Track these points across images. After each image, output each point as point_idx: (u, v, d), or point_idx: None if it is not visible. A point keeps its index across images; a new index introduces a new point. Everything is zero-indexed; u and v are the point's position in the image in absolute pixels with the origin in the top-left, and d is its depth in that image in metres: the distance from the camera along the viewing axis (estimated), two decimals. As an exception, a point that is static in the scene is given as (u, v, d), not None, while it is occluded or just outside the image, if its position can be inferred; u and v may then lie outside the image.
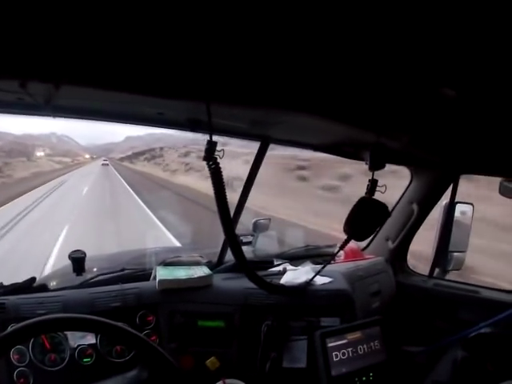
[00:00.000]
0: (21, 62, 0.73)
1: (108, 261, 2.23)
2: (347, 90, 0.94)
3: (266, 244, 2.21)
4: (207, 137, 1.13)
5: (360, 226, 1.57)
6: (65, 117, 1.29)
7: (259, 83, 0.86)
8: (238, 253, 1.42)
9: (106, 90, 0.89)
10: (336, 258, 2.10)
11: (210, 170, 1.25)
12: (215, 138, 1.13)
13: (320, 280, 1.79)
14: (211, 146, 1.21)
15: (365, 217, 1.54)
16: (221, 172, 1.27)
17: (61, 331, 1.52)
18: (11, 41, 0.67)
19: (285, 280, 1.80)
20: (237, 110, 1.04)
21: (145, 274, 1.89)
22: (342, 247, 1.71)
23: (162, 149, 51.25)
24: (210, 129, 1.27)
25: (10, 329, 1.16)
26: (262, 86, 0.87)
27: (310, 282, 1.76)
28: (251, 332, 1.69)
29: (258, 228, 2.18)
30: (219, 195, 1.28)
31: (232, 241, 1.40)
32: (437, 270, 2.18)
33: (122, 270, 1.91)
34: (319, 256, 2.21)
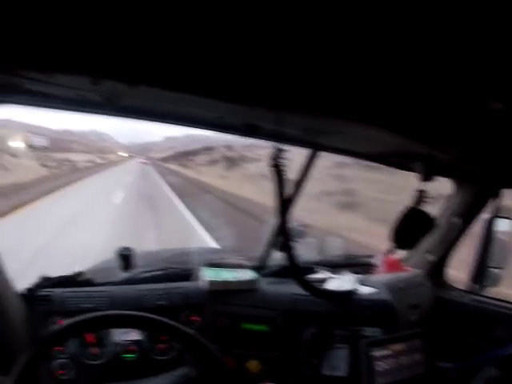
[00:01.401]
0: (96, 59, 0.75)
1: (150, 258, 2.27)
2: (404, 101, 0.94)
3: (305, 251, 2.16)
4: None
5: (406, 235, 1.57)
6: (124, 116, 1.32)
7: (320, 92, 0.86)
8: (291, 258, 1.43)
9: (175, 91, 0.90)
10: (376, 268, 2.12)
11: (274, 176, 1.27)
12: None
13: (363, 290, 1.79)
14: (277, 152, 1.23)
15: (411, 227, 1.53)
16: (284, 178, 1.28)
17: (118, 327, 1.54)
18: (90, 39, 0.69)
19: (327, 288, 1.80)
20: (293, 117, 1.05)
21: (187, 274, 1.91)
22: (385, 255, 1.73)
23: (229, 148, 42.66)
24: (275, 136, 1.30)
25: (65, 322, 1.20)
26: (322, 94, 0.87)
27: (353, 291, 1.75)
28: (294, 338, 1.69)
29: (295, 234, 2.11)
30: (281, 201, 1.30)
31: (287, 246, 1.41)
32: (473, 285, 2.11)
33: (166, 268, 1.94)
34: (358, 265, 2.20)
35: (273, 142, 1.57)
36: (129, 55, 0.74)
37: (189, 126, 1.45)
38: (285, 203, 1.33)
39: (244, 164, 32.03)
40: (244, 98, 0.89)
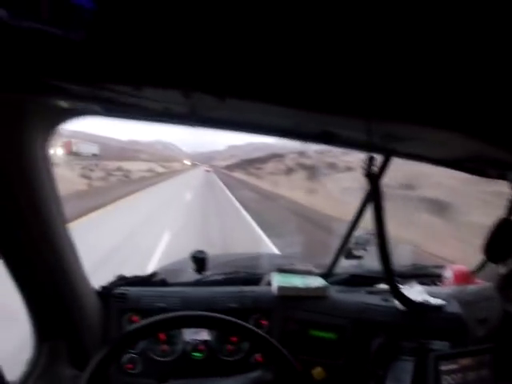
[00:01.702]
0: (187, 74, 0.78)
1: (221, 261, 2.30)
2: (483, 104, 0.91)
3: (372, 259, 2.15)
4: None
5: (498, 248, 1.53)
6: (206, 126, 1.34)
7: (399, 98, 0.86)
8: (387, 268, 1.43)
9: (259, 102, 0.91)
10: (445, 280, 2.06)
11: (369, 186, 1.29)
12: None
13: (433, 301, 1.74)
14: (371, 162, 1.23)
15: (504, 239, 1.50)
16: (379, 188, 1.29)
17: (192, 327, 1.61)
18: (181, 54, 0.72)
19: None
20: (370, 124, 1.03)
21: (257, 278, 1.95)
22: (477, 270, 1.71)
23: (302, 154, 39.06)
24: (369, 147, 1.29)
25: (141, 322, 1.25)
26: (401, 101, 0.87)
27: (423, 303, 1.71)
28: (361, 347, 1.67)
29: (359, 242, 2.09)
30: (376, 212, 1.31)
31: (384, 256, 1.40)
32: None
33: (236, 272, 1.99)
34: (426, 276, 2.14)
35: (349, 149, 1.58)
36: (219, 69, 0.77)
37: (266, 135, 1.46)
38: (380, 215, 1.33)
39: (333, 173, 26.64)
40: (322, 106, 0.90)
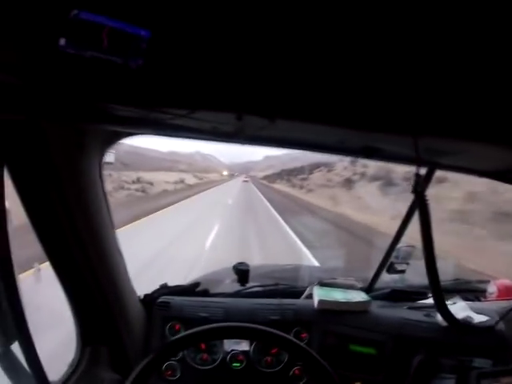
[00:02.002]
0: (241, 97, 0.81)
1: (261, 272, 2.31)
2: None
3: (415, 273, 2.05)
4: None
5: None
6: (252, 144, 1.37)
7: (444, 113, 0.86)
8: (435, 283, 1.38)
9: (306, 122, 0.94)
10: (489, 295, 2.00)
11: (417, 202, 1.28)
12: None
13: (476, 318, 1.68)
14: (418, 178, 1.21)
15: None
16: (427, 205, 1.25)
17: (234, 338, 1.60)
18: (235, 79, 0.75)
19: (440, 316, 1.67)
20: (415, 139, 1.02)
21: (297, 291, 1.95)
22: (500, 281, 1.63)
23: (355, 162, 30.34)
24: (417, 162, 1.26)
25: (185, 333, 1.30)
26: (446, 116, 0.86)
27: (466, 320, 1.65)
28: (401, 363, 1.64)
29: (402, 256, 2.02)
30: (424, 227, 1.27)
31: (432, 270, 1.35)
32: None
33: (276, 284, 2.00)
34: (469, 291, 2.08)
35: (391, 163, 1.58)
36: (269, 92, 0.80)
37: (311, 151, 1.47)
38: (427, 228, 1.28)
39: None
40: (367, 124, 0.92)
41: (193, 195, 30.10)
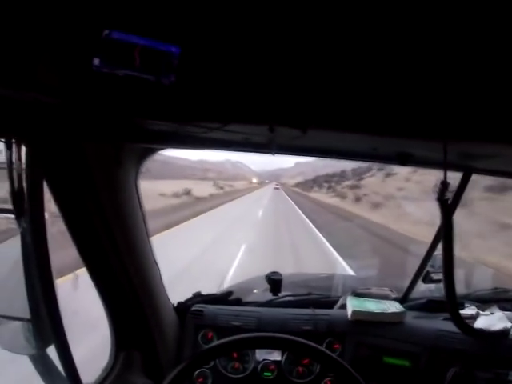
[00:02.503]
0: (274, 109, 0.82)
1: (293, 281, 2.30)
2: None
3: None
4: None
5: None
6: (283, 153, 1.39)
7: (479, 118, 0.85)
8: (450, 292, 1.39)
9: (338, 131, 0.95)
10: None
11: (441, 210, 1.25)
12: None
13: None
14: (444, 187, 1.21)
15: None
16: (451, 213, 1.26)
17: (267, 348, 1.64)
18: (268, 88, 0.76)
19: (479, 326, 1.67)
20: (449, 144, 1.03)
21: (330, 301, 1.95)
22: None
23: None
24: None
25: (219, 341, 1.31)
26: (481, 120, 0.86)
27: (504, 331, 1.63)
28: (435, 376, 1.61)
29: (436, 264, 1.93)
30: (445, 236, 1.29)
31: (449, 278, 1.37)
32: None
33: (309, 294, 1.99)
34: (508, 301, 2.01)
35: (424, 168, 1.56)
36: (301, 103, 0.81)
37: (342, 159, 1.49)
38: (448, 238, 1.30)
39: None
40: (400, 131, 0.92)
41: (197, 216, 19.00)
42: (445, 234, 1.29)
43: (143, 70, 0.64)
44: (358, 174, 42.77)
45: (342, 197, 35.84)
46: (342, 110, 0.83)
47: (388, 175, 31.67)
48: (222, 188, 61.83)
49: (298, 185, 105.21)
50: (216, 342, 1.34)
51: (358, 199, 31.17)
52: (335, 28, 0.63)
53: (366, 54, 0.69)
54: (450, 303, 1.46)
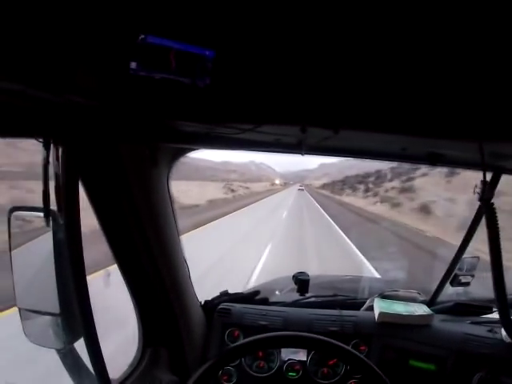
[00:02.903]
0: (306, 110, 0.83)
1: (319, 282, 2.31)
2: None
3: (480, 286, 1.97)
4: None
5: None
6: (313, 154, 1.39)
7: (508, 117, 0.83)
8: (502, 298, 1.37)
9: (370, 131, 0.95)
10: None
11: (484, 212, 1.26)
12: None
13: None
14: (485, 187, 1.21)
15: None
16: (495, 213, 1.25)
17: (295, 348, 1.66)
18: (301, 90, 0.78)
19: (505, 332, 1.62)
20: (480, 144, 1.02)
21: (356, 303, 1.95)
22: None
23: None
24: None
25: (246, 340, 1.32)
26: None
27: None
28: (461, 381, 1.60)
29: (467, 268, 1.93)
30: (493, 239, 1.27)
31: (500, 285, 1.34)
32: None
33: (335, 295, 2.00)
34: None
35: (455, 168, 1.55)
36: (333, 103, 0.82)
37: (373, 159, 1.50)
38: (496, 239, 1.28)
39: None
40: (430, 131, 0.92)
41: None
42: (491, 235, 1.27)
43: (179, 73, 0.66)
44: (401, 174, 35.68)
45: (393, 204, 26.77)
46: (373, 110, 0.84)
47: (451, 174, 22.62)
48: (233, 191, 52.45)
49: (324, 186, 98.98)
50: (244, 340, 1.35)
51: (424, 209, 21.51)
52: (368, 28, 0.64)
53: (400, 54, 0.70)
54: (500, 308, 1.44)
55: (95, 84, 0.69)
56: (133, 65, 0.64)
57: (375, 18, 0.63)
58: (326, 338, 1.32)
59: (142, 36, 0.62)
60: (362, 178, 53.25)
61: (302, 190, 76.54)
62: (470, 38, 0.65)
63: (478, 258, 1.85)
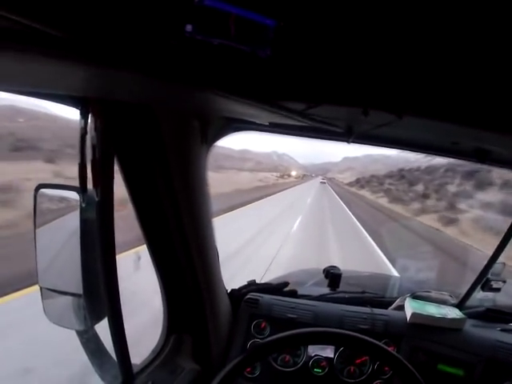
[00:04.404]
0: (366, 92, 0.82)
1: (347, 278, 2.28)
2: None
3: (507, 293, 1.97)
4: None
5: None
6: (360, 143, 1.40)
7: None
8: None
9: (435, 121, 0.94)
10: None
11: None
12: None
13: None
14: None
15: None
16: None
17: (327, 344, 1.67)
18: (362, 69, 0.76)
19: None
20: None
21: (385, 301, 1.97)
22: None
23: None
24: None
25: (278, 335, 1.31)
26: None
27: None
28: None
29: (498, 273, 1.91)
30: None
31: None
32: None
33: (363, 292, 2.02)
34: None
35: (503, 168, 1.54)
36: (396, 86, 0.81)
37: (423, 153, 1.50)
38: None
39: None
40: (480, 123, 0.91)
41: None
42: None
43: (239, 40, 0.63)
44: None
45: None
46: (436, 97, 0.82)
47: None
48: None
49: (357, 183, 71.59)
50: (275, 336, 1.32)
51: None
52: (433, 13, 0.62)
53: (462, 41, 0.68)
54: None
55: (146, 48, 0.65)
56: (188, 27, 0.60)
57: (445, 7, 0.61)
58: (360, 335, 1.32)
59: None
60: (400, 175, 44.79)
61: (324, 183, 75.94)
62: None
63: (503, 263, 1.86)
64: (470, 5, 0.59)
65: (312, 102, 0.88)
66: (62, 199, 1.06)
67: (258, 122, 1.28)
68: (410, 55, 0.71)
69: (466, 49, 0.68)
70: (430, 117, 0.91)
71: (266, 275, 6.77)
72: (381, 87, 0.80)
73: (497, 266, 1.84)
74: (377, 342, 1.31)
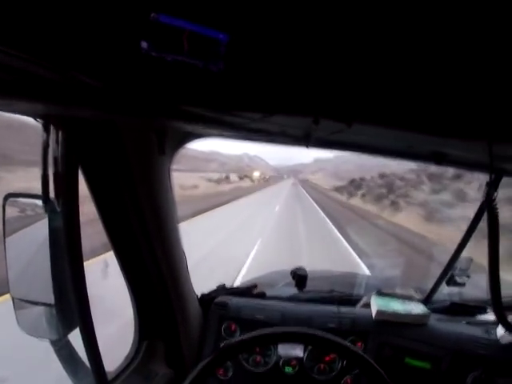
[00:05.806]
0: (319, 101, 0.84)
1: (315, 278, 2.31)
2: None
3: (475, 287, 2.05)
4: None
5: None
6: (319, 147, 1.42)
7: None
8: (497, 297, 1.41)
9: (385, 127, 0.98)
10: None
11: (487, 211, 1.30)
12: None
13: None
14: (491, 187, 1.26)
15: None
16: (497, 215, 1.29)
17: (294, 343, 1.72)
18: (313, 80, 0.78)
19: (500, 333, 1.73)
20: (485, 145, 1.02)
21: (352, 299, 2.01)
22: None
23: None
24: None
25: (245, 336, 1.34)
26: None
27: None
28: (455, 380, 1.68)
29: (463, 268, 1.95)
30: (492, 240, 1.32)
31: (495, 284, 1.38)
32: None
33: (332, 290, 2.06)
34: None
35: (457, 168, 1.58)
36: (346, 96, 0.84)
37: (381, 156, 1.53)
38: (495, 242, 1.33)
39: None
40: (435, 129, 0.94)
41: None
42: (491, 234, 1.32)
43: (192, 56, 0.66)
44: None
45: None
46: (385, 105, 0.85)
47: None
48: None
49: (344, 189, 48.74)
50: (243, 336, 1.36)
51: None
52: (381, 21, 0.64)
53: (411, 50, 0.70)
54: (495, 306, 1.49)
55: (102, 63, 0.67)
56: (144, 44, 0.62)
57: (397, 14, 0.63)
58: (325, 334, 1.36)
59: (154, 14, 0.60)
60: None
61: (296, 184, 75.59)
62: (486, 38, 0.65)
63: (470, 259, 1.92)
64: (415, 12, 0.62)
65: (266, 111, 0.91)
66: (36, 207, 1.06)
67: (215, 133, 1.33)
68: (358, 65, 0.74)
69: (411, 58, 0.72)
70: (379, 124, 0.95)
71: (237, 278, 6.81)
72: (330, 97, 0.84)
73: (464, 261, 1.89)
74: (339, 340, 1.34)
